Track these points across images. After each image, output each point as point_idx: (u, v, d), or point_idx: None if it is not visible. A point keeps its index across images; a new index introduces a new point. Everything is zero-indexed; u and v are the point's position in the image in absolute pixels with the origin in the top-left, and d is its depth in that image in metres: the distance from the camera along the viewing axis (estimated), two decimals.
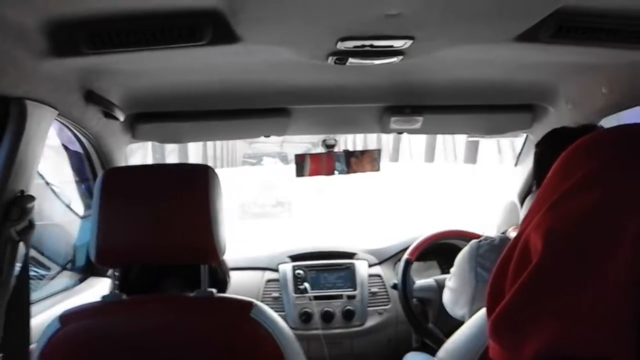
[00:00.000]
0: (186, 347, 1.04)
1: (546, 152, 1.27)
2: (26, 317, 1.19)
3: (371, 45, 1.23)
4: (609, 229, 0.55)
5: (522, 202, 2.14)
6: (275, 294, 2.18)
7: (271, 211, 8.40)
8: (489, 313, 0.65)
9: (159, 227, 1.07)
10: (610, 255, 0.54)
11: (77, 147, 1.75)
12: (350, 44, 1.22)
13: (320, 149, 2.04)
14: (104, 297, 1.11)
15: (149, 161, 6.80)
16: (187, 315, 1.08)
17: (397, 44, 1.23)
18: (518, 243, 0.63)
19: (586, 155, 0.62)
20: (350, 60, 1.31)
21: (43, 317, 1.30)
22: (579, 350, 0.54)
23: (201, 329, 1.06)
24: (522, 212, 1.19)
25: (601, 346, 0.53)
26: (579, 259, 0.56)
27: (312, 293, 2.15)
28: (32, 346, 1.12)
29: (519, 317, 0.58)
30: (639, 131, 0.62)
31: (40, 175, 1.67)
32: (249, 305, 1.07)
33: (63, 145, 1.77)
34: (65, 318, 1.04)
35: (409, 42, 1.22)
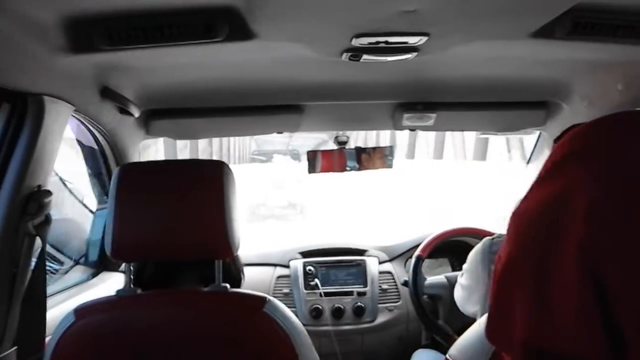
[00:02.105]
0: (199, 342, 1.05)
1: None
2: (42, 310, 1.20)
3: (386, 42, 1.23)
4: (562, 215, 0.53)
5: None
6: (286, 290, 2.18)
7: (282, 213, 8.06)
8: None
9: (174, 222, 1.08)
10: (564, 243, 0.52)
11: (91, 143, 1.76)
12: (365, 41, 1.22)
13: (332, 144, 2.04)
14: (118, 291, 1.11)
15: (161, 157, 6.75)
16: (200, 309, 1.08)
17: (412, 40, 1.22)
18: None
19: (564, 148, 0.61)
20: (365, 56, 1.31)
21: (57, 310, 1.31)
22: (554, 346, 0.52)
23: (214, 324, 1.06)
24: None
25: (572, 342, 0.51)
26: (538, 250, 0.54)
27: (322, 289, 2.15)
28: (47, 339, 1.13)
29: (500, 318, 0.57)
30: (613, 120, 0.60)
31: (54, 170, 1.68)
32: (262, 300, 1.07)
33: (77, 140, 1.78)
34: (80, 312, 1.04)
35: (424, 39, 1.21)
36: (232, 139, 14.43)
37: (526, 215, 0.57)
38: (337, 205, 7.73)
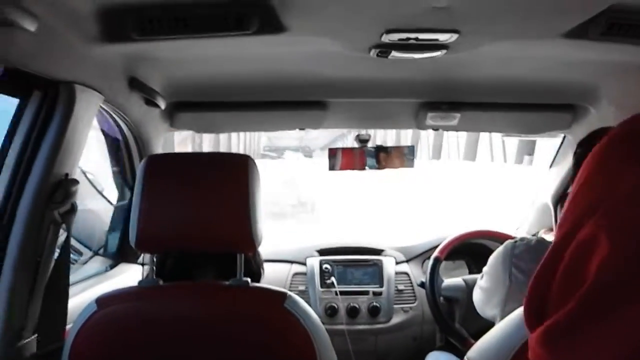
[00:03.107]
0: (220, 334, 1.05)
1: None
2: (64, 299, 1.20)
3: (416, 39, 1.22)
4: None
5: (555, 205, 2.10)
6: (302, 287, 2.17)
7: (292, 211, 7.85)
8: (532, 322, 0.61)
9: (199, 215, 1.08)
10: None
11: (115, 134, 1.77)
12: (395, 37, 1.21)
13: (352, 141, 2.03)
14: (140, 282, 1.12)
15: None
16: (222, 302, 1.08)
17: (443, 37, 1.21)
18: (566, 246, 0.59)
19: None
20: (393, 53, 1.30)
21: (76, 300, 1.31)
22: None
23: (235, 317, 1.06)
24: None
25: None
26: None
27: (338, 288, 2.14)
28: (68, 327, 1.14)
29: (578, 331, 0.55)
30: None
31: None
32: (282, 295, 1.07)
33: (102, 130, 1.79)
34: (102, 301, 1.05)
35: (454, 36, 1.20)
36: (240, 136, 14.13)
37: (632, 226, 0.54)
38: (349, 204, 7.59)
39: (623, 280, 0.54)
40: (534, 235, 2.10)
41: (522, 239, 1.53)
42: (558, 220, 1.17)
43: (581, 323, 0.55)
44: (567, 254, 0.59)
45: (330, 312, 2.12)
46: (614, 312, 0.54)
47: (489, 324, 1.47)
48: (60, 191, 1.15)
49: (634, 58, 1.38)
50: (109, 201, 1.98)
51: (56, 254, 1.22)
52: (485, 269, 1.60)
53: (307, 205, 8.24)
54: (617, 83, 1.58)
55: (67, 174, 1.17)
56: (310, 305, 2.13)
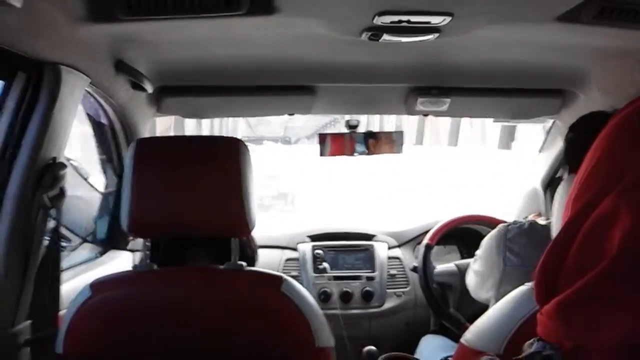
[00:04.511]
0: (216, 318, 1.05)
1: (583, 136, 1.24)
2: (56, 284, 1.19)
3: (408, 21, 1.20)
4: None
5: (545, 189, 2.11)
6: (294, 273, 2.17)
7: (271, 203, 7.61)
8: (543, 297, 0.61)
9: (192, 199, 1.07)
10: None
11: (101, 118, 1.74)
12: (387, 19, 1.20)
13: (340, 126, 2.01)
14: (135, 266, 1.11)
15: None
16: (218, 287, 1.08)
17: (435, 20, 1.20)
18: (582, 221, 0.59)
19: None
20: (385, 36, 1.29)
21: (68, 286, 1.30)
22: None
23: (231, 301, 1.06)
24: (558, 198, 1.16)
25: None
26: None
27: (331, 273, 2.15)
28: (61, 313, 1.13)
29: (597, 303, 0.55)
30: None
31: None
32: (279, 279, 1.07)
33: (87, 114, 1.76)
34: (97, 286, 1.04)
35: (447, 19, 1.19)
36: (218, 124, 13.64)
37: None
38: (333, 193, 7.47)
39: None
40: (524, 219, 2.11)
41: (514, 223, 1.54)
42: (556, 204, 1.17)
43: (604, 294, 0.55)
44: (584, 229, 0.59)
45: (323, 297, 2.12)
46: (638, 284, 0.54)
47: (483, 308, 1.48)
48: (48, 175, 1.13)
49: (622, 43, 1.38)
50: (95, 188, 1.96)
51: (46, 239, 1.20)
52: (478, 252, 1.61)
53: (288, 196, 8.11)
54: (605, 68, 1.58)
55: (54, 158, 1.16)
56: None
